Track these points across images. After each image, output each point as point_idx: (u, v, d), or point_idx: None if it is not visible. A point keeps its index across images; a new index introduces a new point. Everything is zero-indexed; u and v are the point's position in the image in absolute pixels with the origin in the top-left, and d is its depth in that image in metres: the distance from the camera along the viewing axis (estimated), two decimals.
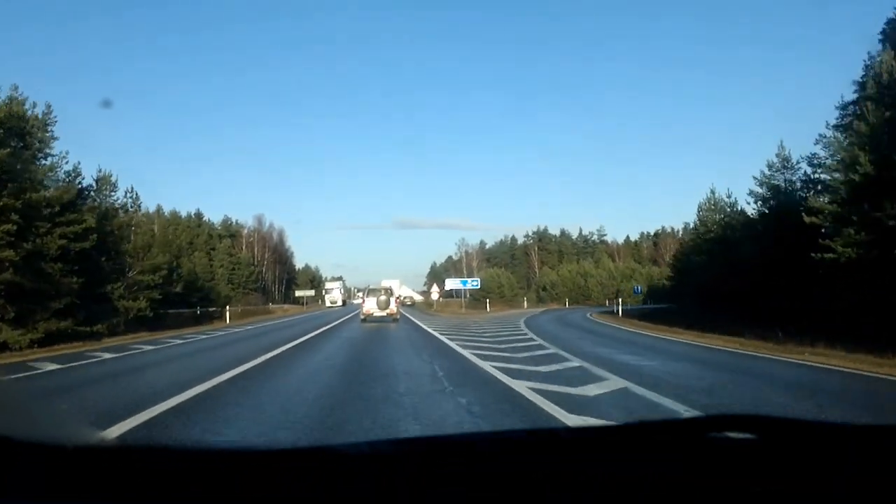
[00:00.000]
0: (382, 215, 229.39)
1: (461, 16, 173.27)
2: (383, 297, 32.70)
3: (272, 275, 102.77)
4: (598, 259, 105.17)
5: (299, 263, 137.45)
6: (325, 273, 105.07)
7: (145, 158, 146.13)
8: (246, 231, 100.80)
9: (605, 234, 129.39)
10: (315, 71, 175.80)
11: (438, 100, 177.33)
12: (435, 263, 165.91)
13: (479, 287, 53.53)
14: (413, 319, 34.27)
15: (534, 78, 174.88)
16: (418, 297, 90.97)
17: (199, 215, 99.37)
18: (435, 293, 52.31)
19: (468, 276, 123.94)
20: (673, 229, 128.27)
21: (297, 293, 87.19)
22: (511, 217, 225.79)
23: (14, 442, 1.10)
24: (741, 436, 1.04)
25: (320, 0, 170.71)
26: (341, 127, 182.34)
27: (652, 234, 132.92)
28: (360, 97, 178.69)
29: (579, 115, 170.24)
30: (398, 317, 33.32)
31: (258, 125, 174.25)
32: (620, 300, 48.96)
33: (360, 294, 46.67)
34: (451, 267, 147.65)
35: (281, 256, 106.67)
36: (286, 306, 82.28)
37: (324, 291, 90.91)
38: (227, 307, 52.30)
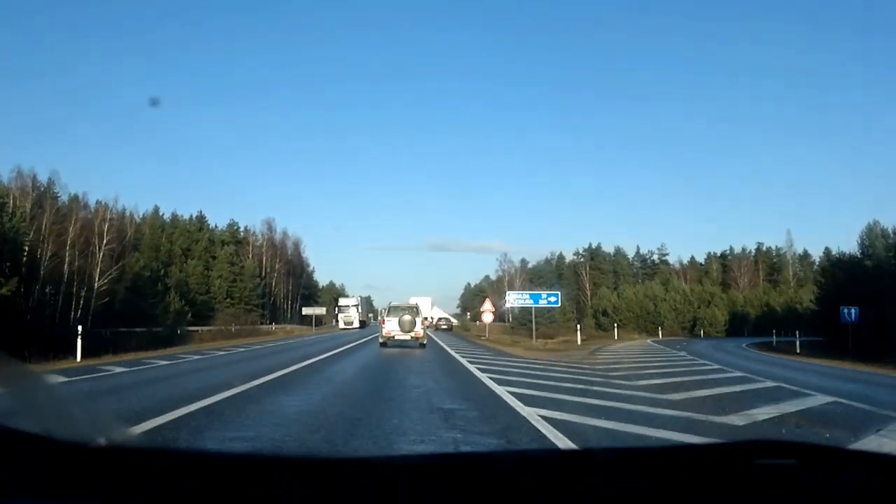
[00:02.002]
0: (416, 237, 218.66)
1: (502, 32, 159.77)
2: (407, 317, 26.91)
3: (283, 289, 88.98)
4: (665, 280, 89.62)
5: (322, 280, 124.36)
6: (353, 292, 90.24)
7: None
8: (254, 238, 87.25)
9: (666, 254, 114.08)
10: (357, 92, 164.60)
11: (475, 117, 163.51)
12: (469, 284, 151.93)
13: (557, 304, 38.50)
14: (460, 360, 20.00)
15: (580, 91, 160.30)
16: (454, 321, 76.20)
17: (200, 218, 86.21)
18: (488, 313, 37.34)
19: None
20: (745, 250, 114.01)
21: (305, 311, 72.43)
22: (549, 240, 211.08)
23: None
24: (781, 461, 1.10)
25: (364, 17, 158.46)
26: (375, 143, 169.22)
27: (718, 254, 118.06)
28: (398, 116, 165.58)
29: (630, 129, 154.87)
30: (425, 341, 27.66)
31: (293, 139, 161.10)
32: (798, 333, 41.58)
33: (383, 312, 32.99)
34: (488, 287, 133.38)
35: (295, 269, 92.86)
36: (290, 327, 68.33)
37: (336, 310, 76.03)
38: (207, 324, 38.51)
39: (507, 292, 38.92)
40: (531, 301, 35.20)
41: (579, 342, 32.36)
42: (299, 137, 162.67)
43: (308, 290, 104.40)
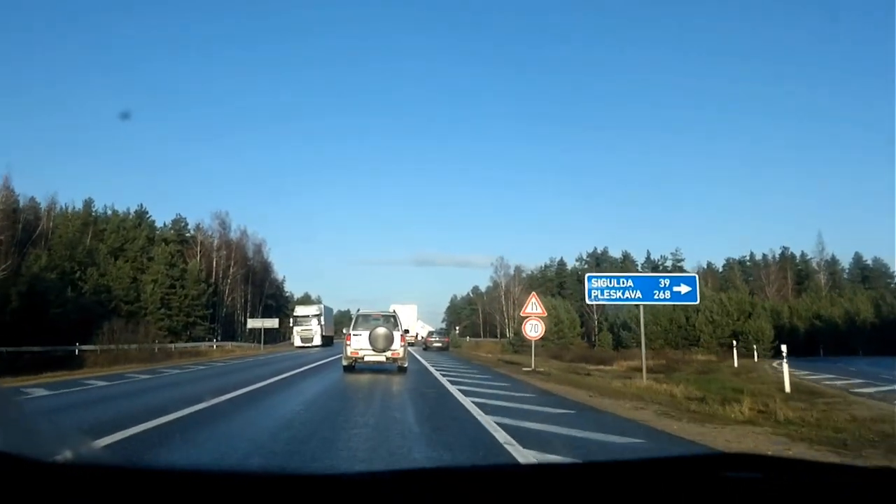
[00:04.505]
0: (403, 251, 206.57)
1: (488, 39, 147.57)
2: (382, 330, 19.49)
3: (241, 298, 74.82)
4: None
5: (298, 292, 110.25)
6: (337, 306, 75.39)
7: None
8: (206, 238, 73.05)
9: (682, 259, 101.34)
10: (337, 104, 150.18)
11: (462, 128, 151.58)
12: (456, 296, 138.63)
13: (695, 299, 21.17)
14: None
15: (586, 86, 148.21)
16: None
17: (140, 213, 72.16)
18: (535, 321, 21.77)
19: (511, 310, 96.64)
20: (767, 256, 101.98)
21: (251, 324, 57.58)
22: (548, 248, 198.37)
23: None
24: (747, 475, 1.12)
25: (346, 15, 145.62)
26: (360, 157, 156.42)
27: (737, 260, 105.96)
28: (376, 124, 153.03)
29: (629, 135, 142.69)
30: (406, 363, 20.14)
31: (273, 147, 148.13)
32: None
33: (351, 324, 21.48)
34: (478, 300, 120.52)
35: (256, 274, 78.68)
36: (231, 345, 54.16)
37: (291, 322, 60.97)
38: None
39: (589, 276, 19.57)
40: (638, 292, 18.11)
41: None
42: (279, 147, 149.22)
43: (276, 302, 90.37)
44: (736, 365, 33.20)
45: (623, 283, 18.58)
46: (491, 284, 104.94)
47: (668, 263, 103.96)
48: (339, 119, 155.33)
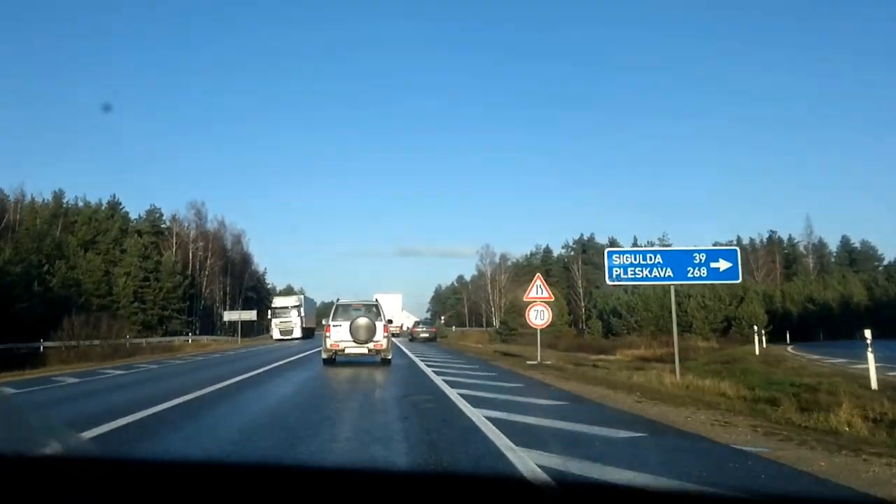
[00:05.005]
0: (386, 242, 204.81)
1: (470, 24, 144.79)
2: (363, 321, 18.37)
3: (219, 291, 72.28)
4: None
5: (281, 284, 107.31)
6: (321, 298, 72.53)
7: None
8: (182, 229, 70.36)
9: (669, 244, 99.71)
10: (319, 93, 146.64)
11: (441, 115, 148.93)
12: (440, 286, 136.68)
13: (737, 278, 17.60)
14: None
15: (573, 67, 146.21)
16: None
17: (114, 205, 69.35)
18: (540, 306, 19.04)
19: (498, 299, 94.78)
20: (755, 240, 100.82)
21: (227, 316, 55.04)
22: (534, 236, 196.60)
23: None
24: None
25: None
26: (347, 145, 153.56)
27: (724, 244, 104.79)
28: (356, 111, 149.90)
29: (605, 117, 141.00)
30: (390, 355, 19.12)
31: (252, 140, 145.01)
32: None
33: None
34: (463, 289, 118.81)
35: (235, 266, 76.12)
36: (207, 339, 51.78)
37: (269, 314, 58.52)
38: None
39: (609, 252, 16.26)
40: (669, 270, 15.13)
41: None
42: (258, 140, 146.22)
43: (258, 294, 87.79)
44: (757, 352, 30.96)
45: (651, 260, 15.47)
46: (476, 273, 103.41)
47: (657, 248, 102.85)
48: (319, 112, 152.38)
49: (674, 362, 16.42)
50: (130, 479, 1.12)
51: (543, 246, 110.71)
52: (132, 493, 1.09)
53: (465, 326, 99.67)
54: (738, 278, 16.07)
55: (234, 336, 52.84)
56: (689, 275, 15.31)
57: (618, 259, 15.70)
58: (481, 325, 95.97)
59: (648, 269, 15.33)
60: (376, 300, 21.41)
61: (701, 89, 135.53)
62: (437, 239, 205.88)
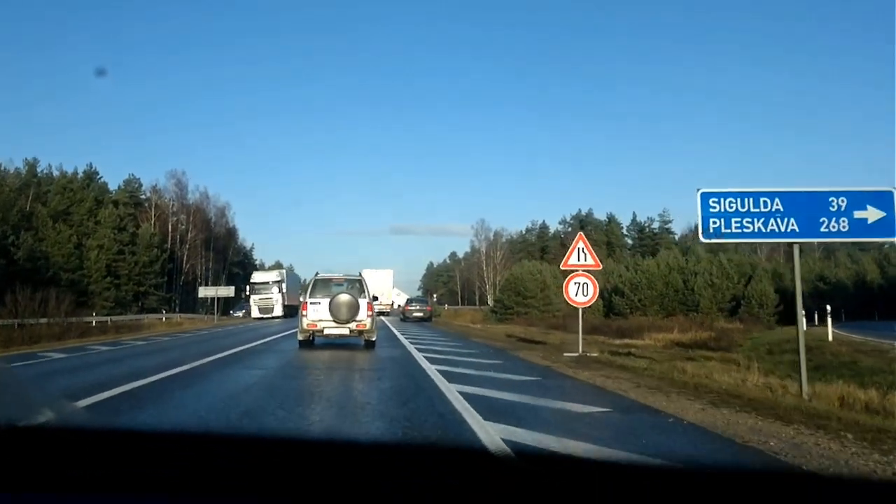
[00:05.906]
0: (379, 220, 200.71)
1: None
2: (344, 297, 16.32)
3: (201, 266, 68.85)
4: (687, 250, 72.30)
5: (269, 261, 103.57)
6: (308, 274, 69.27)
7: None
8: (163, 201, 66.70)
9: (670, 220, 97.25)
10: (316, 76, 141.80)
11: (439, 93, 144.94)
12: (432, 264, 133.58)
13: (894, 235, 13.09)
14: None
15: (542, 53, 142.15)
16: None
17: (90, 174, 65.55)
18: (584, 279, 14.39)
19: (493, 276, 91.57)
20: None
21: (203, 292, 51.44)
22: (530, 213, 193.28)
23: None
24: None
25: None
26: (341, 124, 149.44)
27: None
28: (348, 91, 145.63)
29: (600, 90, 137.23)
30: (374, 336, 16.98)
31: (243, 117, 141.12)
32: None
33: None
34: (455, 267, 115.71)
35: (217, 240, 72.61)
36: (181, 317, 48.35)
37: (247, 290, 54.02)
38: None
39: (703, 195, 9.96)
40: (793, 222, 9.85)
41: None
42: (249, 116, 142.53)
43: (244, 270, 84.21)
44: (831, 338, 25.43)
45: (766, 207, 9.96)
46: (469, 250, 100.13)
47: (656, 225, 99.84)
48: (311, 87, 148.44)
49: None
50: None
51: (540, 222, 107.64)
52: None
53: (458, 305, 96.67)
54: (893, 235, 10.33)
55: (209, 314, 49.45)
56: (822, 229, 9.96)
57: (716, 206, 10.12)
58: (474, 304, 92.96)
59: (763, 219, 9.29)
60: (360, 275, 18.80)
61: (696, 65, 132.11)
62: (431, 216, 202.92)
